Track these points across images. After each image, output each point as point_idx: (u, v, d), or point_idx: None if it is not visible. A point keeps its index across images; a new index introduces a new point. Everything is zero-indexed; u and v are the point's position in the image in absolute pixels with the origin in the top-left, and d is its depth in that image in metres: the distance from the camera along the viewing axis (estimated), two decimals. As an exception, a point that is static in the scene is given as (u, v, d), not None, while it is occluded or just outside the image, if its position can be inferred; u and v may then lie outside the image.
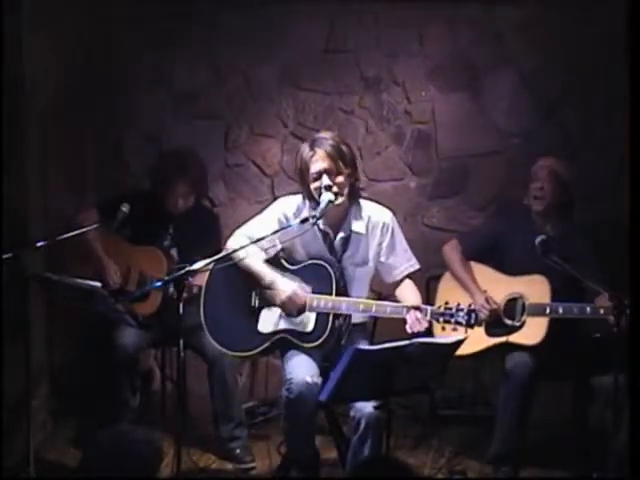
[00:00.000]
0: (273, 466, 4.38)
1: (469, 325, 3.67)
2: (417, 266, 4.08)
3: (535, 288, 4.24)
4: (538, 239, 4.12)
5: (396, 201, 5.24)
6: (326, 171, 3.85)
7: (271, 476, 4.34)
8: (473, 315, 3.67)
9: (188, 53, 5.31)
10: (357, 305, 3.86)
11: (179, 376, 4.07)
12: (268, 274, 3.92)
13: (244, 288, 3.98)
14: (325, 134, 3.98)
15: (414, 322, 3.71)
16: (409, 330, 3.71)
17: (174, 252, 4.71)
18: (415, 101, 5.29)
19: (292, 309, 3.86)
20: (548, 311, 4.18)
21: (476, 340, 4.27)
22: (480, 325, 4.31)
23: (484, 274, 4.43)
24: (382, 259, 4.01)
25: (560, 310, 4.16)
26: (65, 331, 5.04)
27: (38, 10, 4.58)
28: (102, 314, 4.20)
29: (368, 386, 3.44)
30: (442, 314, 3.71)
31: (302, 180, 3.93)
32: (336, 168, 3.86)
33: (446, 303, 3.74)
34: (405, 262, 4.04)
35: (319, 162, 3.86)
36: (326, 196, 3.81)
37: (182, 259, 4.59)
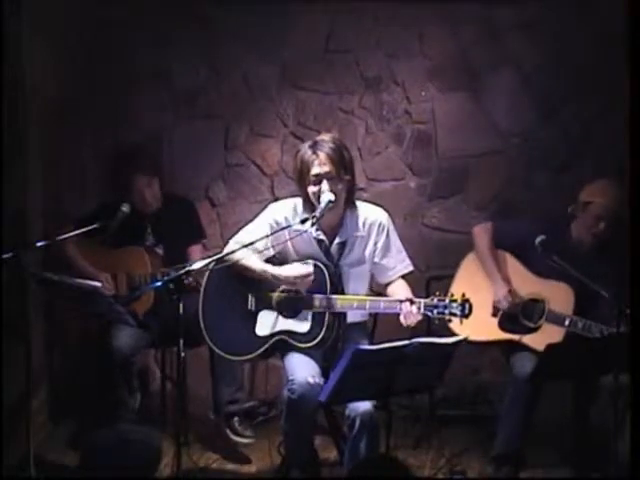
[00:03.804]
0: (273, 466, 4.38)
1: (464, 316, 3.64)
2: (411, 267, 4.07)
3: (559, 296, 4.21)
4: (538, 239, 4.11)
5: (396, 201, 5.25)
6: (327, 175, 3.84)
7: (271, 476, 4.34)
8: (467, 305, 3.64)
9: (188, 53, 5.30)
10: (351, 302, 3.87)
11: (179, 376, 4.07)
12: (269, 268, 3.93)
13: (241, 292, 3.99)
14: (326, 137, 3.95)
15: (408, 314, 3.70)
16: (403, 321, 3.72)
17: (159, 250, 4.71)
18: (415, 101, 5.29)
19: (304, 286, 3.86)
20: (567, 323, 4.15)
21: (488, 330, 4.26)
22: (496, 316, 4.30)
23: (510, 266, 4.36)
24: (376, 260, 4.02)
25: (579, 325, 4.13)
26: (65, 331, 5.03)
27: (38, 10, 4.58)
28: (102, 314, 4.20)
29: (368, 386, 3.44)
30: (435, 306, 3.68)
31: (300, 182, 3.92)
32: (337, 173, 3.85)
33: (439, 294, 3.72)
34: (399, 263, 4.04)
35: (320, 166, 3.84)
36: (326, 196, 3.81)
37: (169, 254, 4.60)
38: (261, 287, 3.98)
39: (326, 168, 3.84)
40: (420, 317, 3.71)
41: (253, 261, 3.96)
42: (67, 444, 4.67)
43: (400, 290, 3.96)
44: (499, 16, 5.13)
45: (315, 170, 3.84)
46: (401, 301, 3.75)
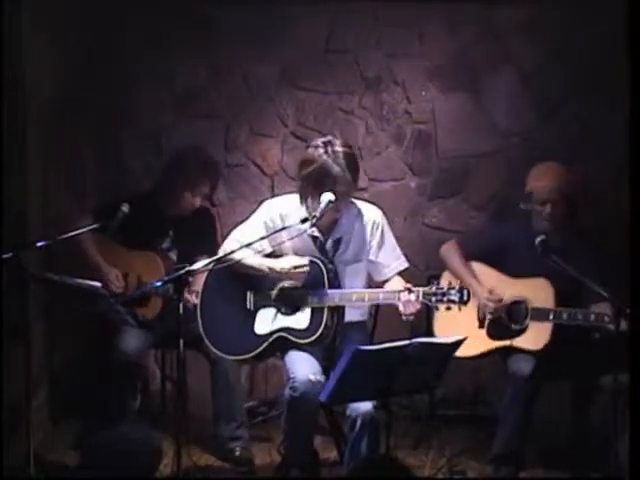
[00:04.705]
0: (273, 466, 4.38)
1: (462, 302, 3.67)
2: (406, 264, 4.09)
3: (539, 292, 4.23)
4: (538, 239, 4.12)
5: (396, 201, 5.25)
6: (347, 192, 3.87)
7: (271, 476, 4.34)
8: (465, 292, 3.67)
9: (188, 53, 5.30)
10: (350, 296, 3.88)
11: (179, 376, 4.07)
12: (265, 261, 3.93)
13: (239, 291, 3.99)
14: (345, 147, 3.89)
15: (407, 303, 3.72)
16: (402, 311, 3.73)
17: (173, 254, 4.70)
18: (415, 101, 5.30)
19: (299, 278, 3.88)
20: (552, 317, 4.17)
21: (478, 342, 4.27)
22: (483, 327, 4.33)
23: (486, 275, 4.40)
24: (372, 257, 4.03)
25: (564, 316, 4.14)
26: (65, 332, 5.03)
27: (38, 10, 4.58)
28: (102, 314, 4.20)
29: (368, 386, 3.44)
30: (434, 294, 3.70)
31: (313, 186, 3.85)
32: (355, 187, 3.91)
33: (437, 283, 3.75)
34: (394, 260, 4.06)
35: (345, 185, 3.82)
36: (326, 196, 3.81)
37: (181, 261, 4.57)
38: (259, 285, 3.98)
39: (349, 186, 3.84)
40: (419, 306, 3.73)
41: (249, 258, 3.96)
42: (67, 444, 4.67)
43: (398, 286, 3.96)
44: (499, 16, 5.14)
45: (340, 187, 3.81)
46: (399, 291, 3.76)
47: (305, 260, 3.87)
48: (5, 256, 3.82)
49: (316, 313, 3.86)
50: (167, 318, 4.47)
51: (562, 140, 5.13)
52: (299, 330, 3.88)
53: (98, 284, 4.07)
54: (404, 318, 3.75)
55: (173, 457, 3.67)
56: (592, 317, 4.10)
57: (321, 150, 3.86)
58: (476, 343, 4.24)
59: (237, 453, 4.47)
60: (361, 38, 5.26)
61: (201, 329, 4.02)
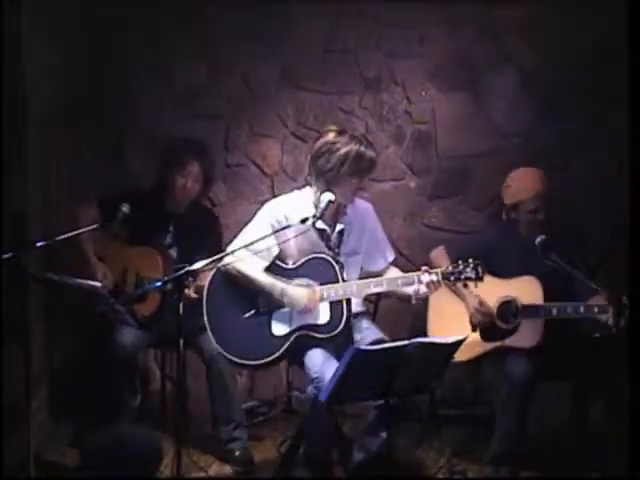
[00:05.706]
0: (273, 466, 4.38)
1: (478, 278, 3.79)
2: (394, 255, 4.21)
3: (527, 290, 4.25)
4: (538, 239, 4.13)
5: (396, 201, 5.25)
6: None
7: (271, 476, 4.33)
8: (479, 268, 3.79)
9: (188, 53, 5.30)
10: (368, 285, 3.91)
11: (179, 376, 4.07)
12: (277, 285, 3.93)
13: (249, 294, 3.97)
14: (356, 130, 4.07)
15: (430, 284, 3.80)
16: (425, 292, 3.83)
17: (174, 251, 4.70)
18: (415, 101, 5.30)
19: (310, 309, 3.88)
20: (542, 313, 4.19)
21: (472, 346, 4.28)
22: (475, 330, 4.34)
23: None
24: (368, 249, 4.08)
25: (554, 311, 4.17)
26: (65, 331, 5.03)
27: (38, 10, 4.58)
28: (102, 314, 4.20)
29: (368, 386, 3.45)
30: (451, 273, 3.81)
31: (347, 167, 3.90)
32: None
33: (452, 262, 3.87)
34: (387, 251, 4.17)
35: (374, 167, 3.99)
36: (326, 196, 3.83)
37: (182, 259, 4.56)
38: None
39: (375, 167, 4.02)
40: (440, 286, 3.84)
41: (258, 275, 3.96)
42: (67, 444, 4.67)
43: (397, 275, 4.03)
44: (499, 16, 5.14)
45: (373, 170, 3.99)
46: (419, 274, 3.83)
47: (315, 290, 3.88)
48: (5, 256, 3.82)
49: (335, 306, 3.88)
50: (165, 315, 4.47)
51: (562, 140, 5.13)
52: (320, 325, 3.88)
53: (98, 284, 4.06)
54: (413, 301, 3.86)
55: (173, 457, 3.67)
56: (582, 309, 4.12)
57: (345, 137, 3.93)
58: (470, 347, 4.25)
59: (237, 453, 4.47)
60: (361, 38, 5.26)
61: (210, 336, 4.00)
